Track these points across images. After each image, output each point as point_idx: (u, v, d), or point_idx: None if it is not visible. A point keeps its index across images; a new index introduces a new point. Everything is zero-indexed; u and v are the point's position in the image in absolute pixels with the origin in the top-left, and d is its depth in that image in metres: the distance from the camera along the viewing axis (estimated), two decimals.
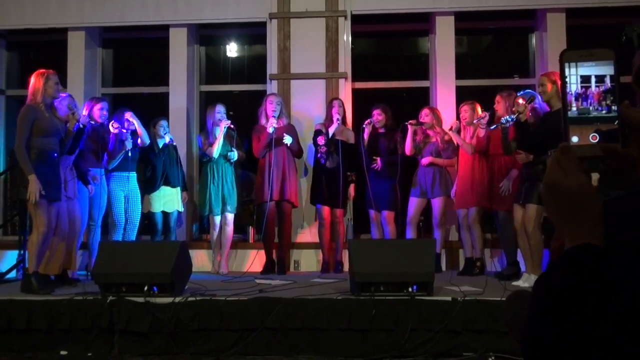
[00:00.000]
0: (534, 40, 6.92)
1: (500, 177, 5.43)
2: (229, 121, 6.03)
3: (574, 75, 0.92)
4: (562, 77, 0.92)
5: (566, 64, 0.92)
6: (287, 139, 5.96)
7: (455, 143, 5.86)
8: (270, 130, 5.93)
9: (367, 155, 5.97)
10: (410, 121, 5.91)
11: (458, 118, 6.00)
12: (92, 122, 5.53)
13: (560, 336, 0.79)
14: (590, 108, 0.91)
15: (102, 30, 7.22)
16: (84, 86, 6.73)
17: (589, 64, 0.92)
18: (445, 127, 6.08)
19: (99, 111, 5.63)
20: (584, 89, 0.91)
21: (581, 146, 0.89)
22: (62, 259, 5.11)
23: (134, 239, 5.89)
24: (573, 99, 0.91)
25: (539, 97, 4.83)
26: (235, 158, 6.11)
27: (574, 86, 0.92)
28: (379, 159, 5.97)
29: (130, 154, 5.78)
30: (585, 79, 0.92)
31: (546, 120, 4.70)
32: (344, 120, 6.16)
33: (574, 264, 0.81)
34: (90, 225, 5.66)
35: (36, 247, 4.72)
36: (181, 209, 6.23)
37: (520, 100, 4.87)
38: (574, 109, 0.91)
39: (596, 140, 0.89)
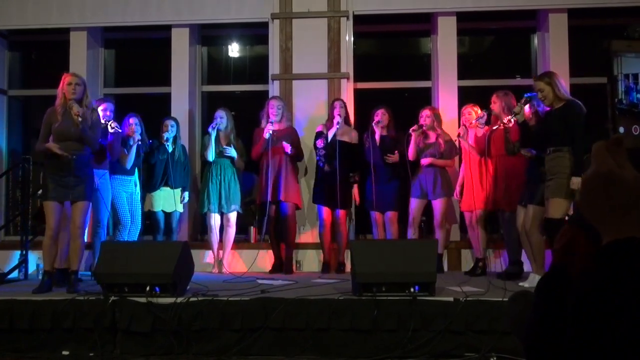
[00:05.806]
0: (535, 41, 6.92)
1: (505, 177, 5.42)
2: (214, 124, 6.12)
3: None
4: (611, 67, 0.90)
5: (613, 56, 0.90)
6: (287, 147, 5.97)
7: (464, 147, 5.83)
8: (266, 136, 5.94)
9: (378, 154, 5.96)
10: (412, 128, 5.90)
11: (460, 121, 6.00)
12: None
13: (567, 337, 0.79)
14: None
15: (104, 31, 7.23)
16: None
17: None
18: (445, 127, 6.08)
19: (102, 112, 5.62)
20: None
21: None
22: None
23: (137, 238, 5.90)
24: None
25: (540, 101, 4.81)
26: (233, 154, 6.11)
27: None
28: (396, 152, 5.94)
29: (142, 150, 5.89)
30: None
31: (549, 117, 4.66)
32: (347, 121, 6.15)
33: (618, 256, 0.80)
34: (96, 226, 5.66)
35: (44, 247, 4.84)
36: (181, 209, 6.24)
37: (515, 102, 4.93)
38: None
39: (637, 133, 0.88)
